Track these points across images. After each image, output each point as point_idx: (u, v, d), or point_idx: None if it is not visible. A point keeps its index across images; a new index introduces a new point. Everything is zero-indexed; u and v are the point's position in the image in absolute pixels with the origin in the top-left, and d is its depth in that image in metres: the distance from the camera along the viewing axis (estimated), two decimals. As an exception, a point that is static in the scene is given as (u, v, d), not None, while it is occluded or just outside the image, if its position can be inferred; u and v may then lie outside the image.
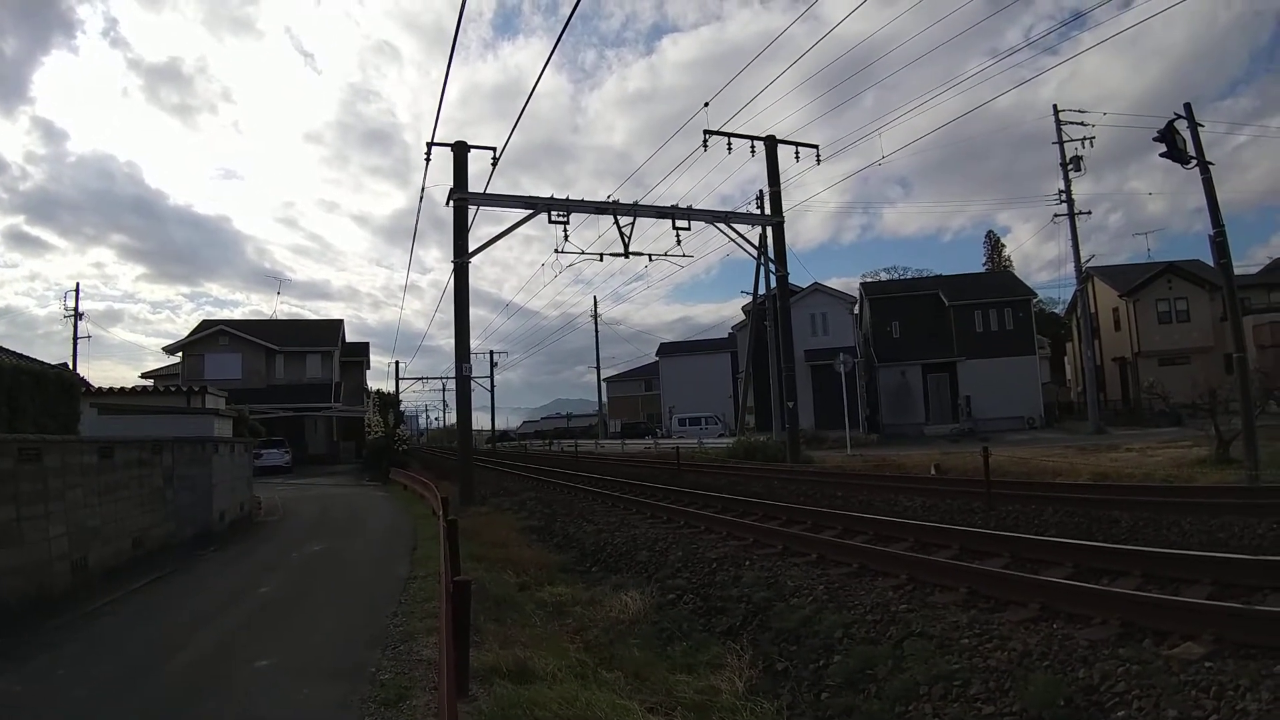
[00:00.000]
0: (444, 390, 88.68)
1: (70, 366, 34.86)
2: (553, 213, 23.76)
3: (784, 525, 12.70)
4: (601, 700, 5.27)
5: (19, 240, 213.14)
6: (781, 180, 28.51)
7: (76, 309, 46.38)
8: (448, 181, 22.98)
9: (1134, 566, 7.85)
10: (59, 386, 12.81)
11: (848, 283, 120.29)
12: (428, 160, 22.62)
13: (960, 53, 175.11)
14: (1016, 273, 64.31)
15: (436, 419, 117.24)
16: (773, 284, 30.76)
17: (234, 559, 12.75)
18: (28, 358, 16.64)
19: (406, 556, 12.00)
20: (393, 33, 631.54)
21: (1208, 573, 7.25)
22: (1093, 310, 42.05)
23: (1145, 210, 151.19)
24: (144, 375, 49.72)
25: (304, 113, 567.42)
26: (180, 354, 46.41)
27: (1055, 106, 35.62)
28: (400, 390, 69.62)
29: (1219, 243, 16.92)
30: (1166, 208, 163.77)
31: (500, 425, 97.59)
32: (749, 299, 42.53)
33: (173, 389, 27.19)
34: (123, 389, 23.31)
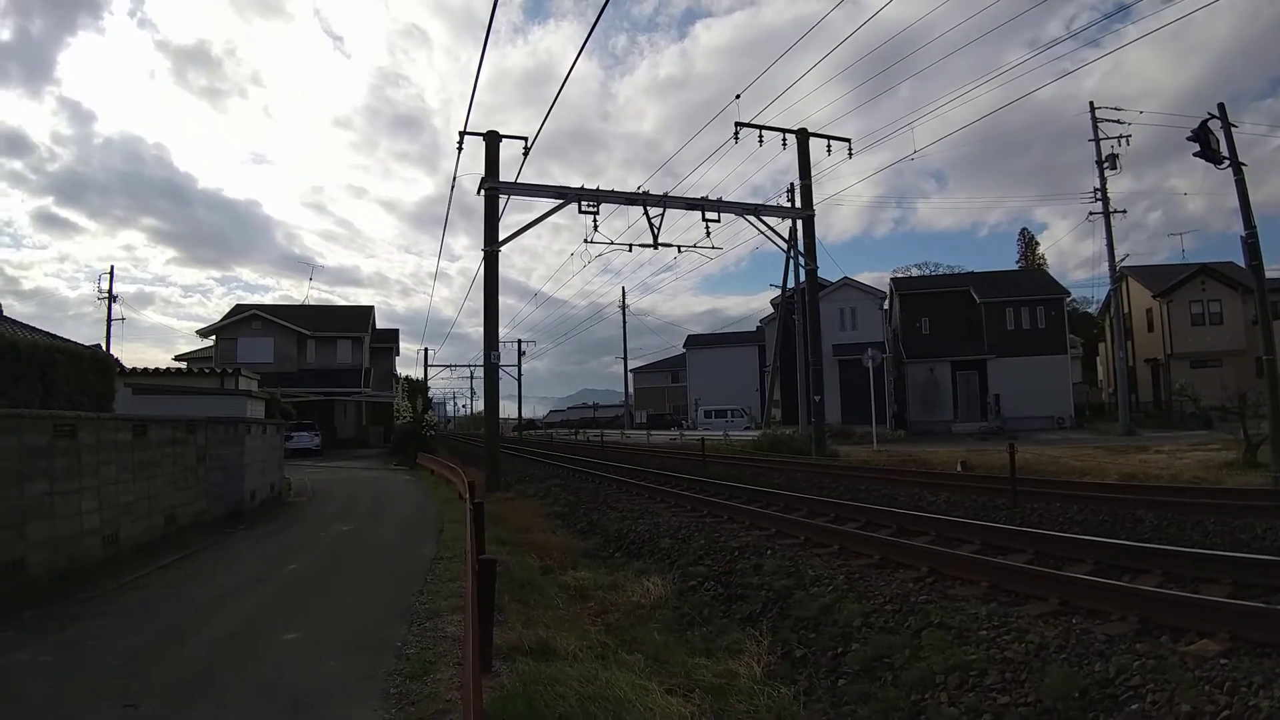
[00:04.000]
0: (471, 378, 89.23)
1: (104, 348, 35.35)
2: (583, 203, 23.88)
3: (807, 517, 12.76)
4: (621, 680, 5.36)
5: (48, 222, 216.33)
6: (814, 172, 28.54)
7: (110, 291, 47.02)
8: (477, 169, 23.15)
9: (1155, 565, 7.87)
10: (93, 365, 13.05)
11: (879, 277, 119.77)
12: (460, 149, 22.80)
13: (1000, 43, 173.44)
14: (1052, 270, 63.91)
15: (464, 406, 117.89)
16: (802, 277, 30.69)
17: (264, 537, 12.94)
18: (61, 338, 16.93)
19: (433, 538, 12.14)
20: (422, 16, 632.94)
21: (1228, 572, 7.26)
22: (1126, 310, 41.63)
23: (1185, 209, 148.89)
24: (177, 358, 50.29)
25: (333, 97, 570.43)
26: (213, 337, 46.91)
27: (1091, 104, 35.22)
28: (428, 377, 70.21)
29: (1251, 244, 16.78)
30: (1206, 207, 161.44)
31: (526, 414, 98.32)
32: (778, 292, 42.49)
33: (206, 370, 27.58)
34: (157, 370, 23.68)
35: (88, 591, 8.33)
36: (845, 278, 47.48)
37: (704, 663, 6.35)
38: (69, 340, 16.43)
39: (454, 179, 26.17)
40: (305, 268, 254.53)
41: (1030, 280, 51.48)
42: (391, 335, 59.47)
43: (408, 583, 8.75)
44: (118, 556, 9.92)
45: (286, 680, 5.46)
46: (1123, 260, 38.68)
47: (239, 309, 49.68)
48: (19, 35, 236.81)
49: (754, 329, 59.58)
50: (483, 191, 22.89)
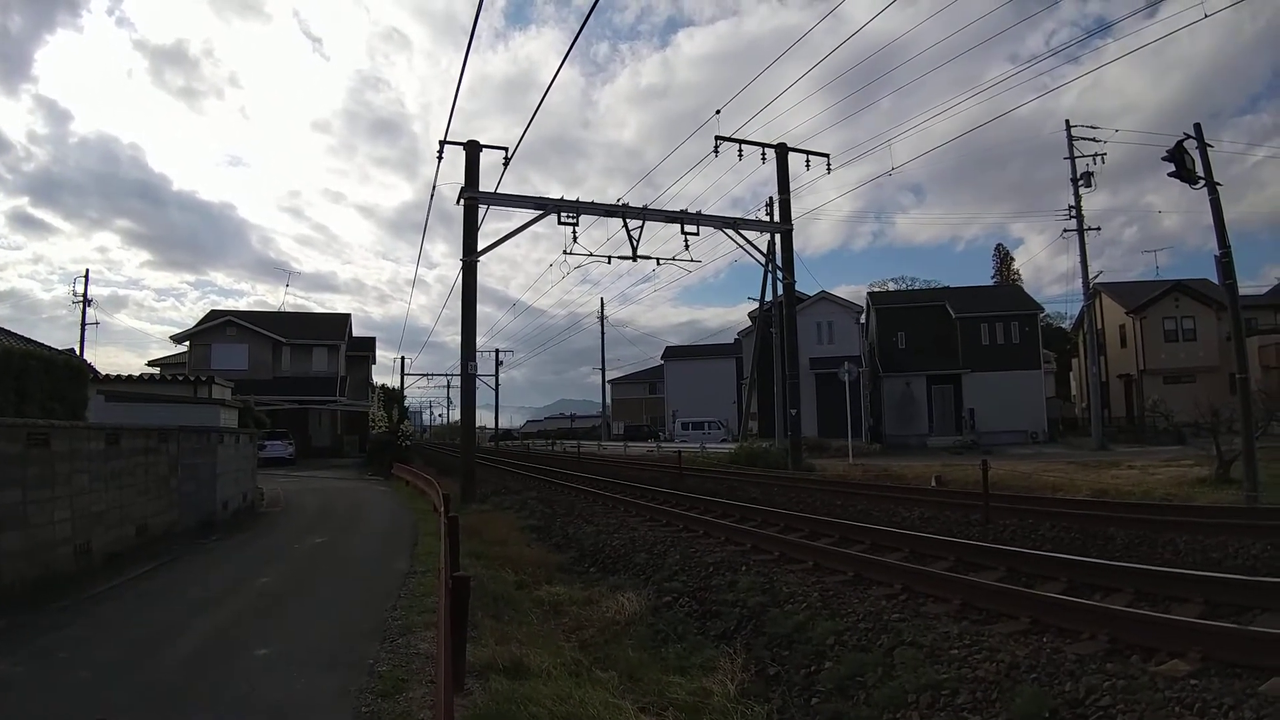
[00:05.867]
0: (448, 387, 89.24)
1: (77, 352, 35.00)
2: (562, 214, 23.91)
3: (782, 532, 12.79)
4: (595, 698, 5.34)
5: (23, 222, 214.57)
6: (794, 186, 28.70)
7: (85, 295, 46.41)
8: (456, 175, 23.15)
9: (1126, 583, 7.92)
10: (67, 372, 12.91)
11: (857, 290, 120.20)
12: (440, 158, 22.87)
13: (980, 59, 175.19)
14: (1028, 285, 64.49)
15: (440, 415, 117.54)
16: (780, 291, 30.82)
17: (236, 549, 12.83)
18: (35, 342, 16.78)
19: (407, 551, 12.08)
20: (402, 20, 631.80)
21: (1199, 592, 7.32)
22: (1099, 326, 42.03)
23: (1161, 225, 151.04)
24: (150, 363, 49.81)
25: (311, 100, 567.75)
26: (187, 343, 46.53)
27: (1067, 122, 35.55)
28: (405, 386, 69.94)
29: (1225, 263, 16.95)
30: (1182, 223, 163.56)
31: (504, 424, 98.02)
32: (755, 304, 42.62)
33: (180, 378, 27.34)
34: (130, 377, 23.45)
35: (60, 602, 8.26)
36: (823, 292, 47.73)
37: (678, 680, 6.35)
38: (43, 345, 16.32)
39: (433, 188, 26.30)
40: (280, 273, 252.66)
41: (1005, 296, 51.96)
42: (368, 343, 59.27)
43: (381, 597, 8.69)
44: (90, 567, 9.83)
45: (258, 698, 5.41)
46: (1096, 276, 38.99)
47: (213, 314, 49.33)
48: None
49: (732, 341, 59.71)
50: (462, 201, 22.89)
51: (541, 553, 12.66)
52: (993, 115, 50.30)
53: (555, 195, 24.07)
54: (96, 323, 48.15)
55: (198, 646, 6.72)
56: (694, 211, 25.89)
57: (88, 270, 55.69)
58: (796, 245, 29.03)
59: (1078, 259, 36.73)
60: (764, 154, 27.57)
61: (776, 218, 29.49)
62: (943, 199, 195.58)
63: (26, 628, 7.18)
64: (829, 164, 27.83)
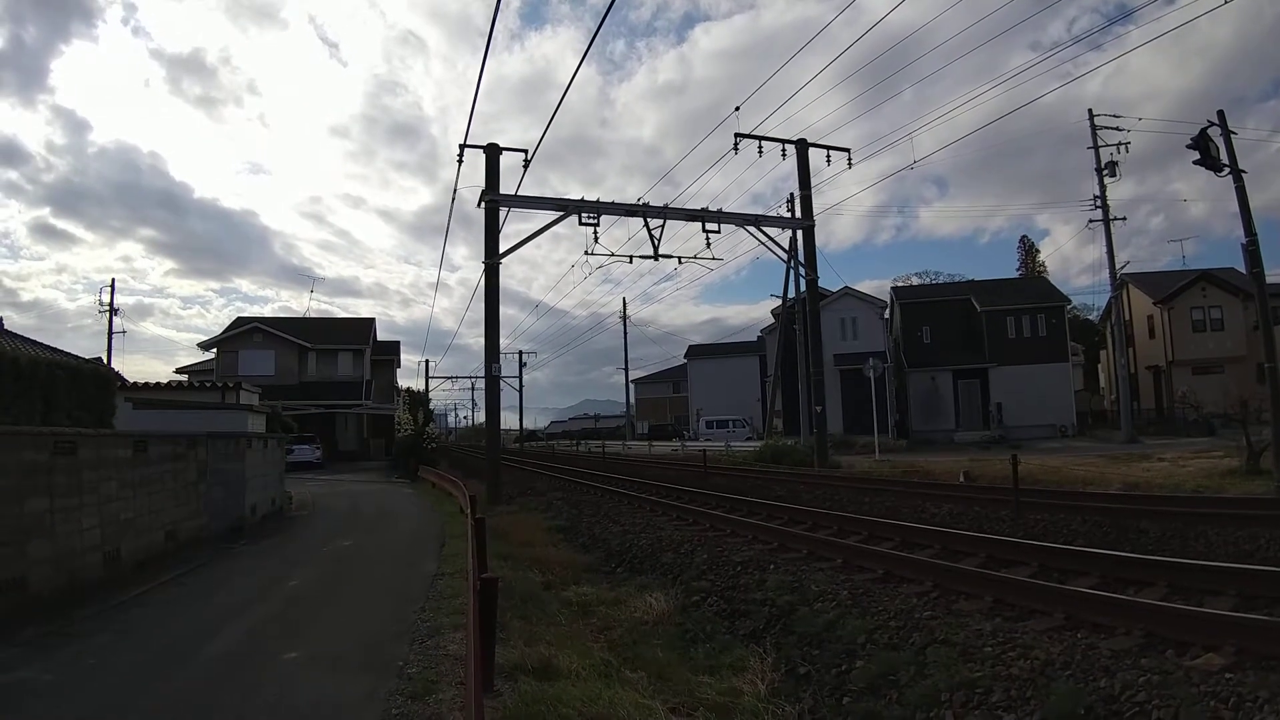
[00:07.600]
0: (473, 389, 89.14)
1: (105, 361, 35.37)
2: (583, 215, 23.91)
3: (809, 530, 12.72)
4: (624, 699, 5.33)
5: (45, 233, 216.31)
6: (815, 180, 28.55)
7: (112, 304, 46.97)
8: (476, 178, 23.22)
9: (1159, 577, 7.84)
10: (94, 381, 13.04)
11: (880, 285, 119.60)
12: (460, 162, 22.89)
13: (1002, 48, 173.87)
14: (1054, 276, 63.94)
15: (465, 418, 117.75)
16: (802, 287, 30.68)
17: (265, 553, 12.91)
18: (62, 352, 16.92)
19: (434, 553, 12.10)
20: (417, 23, 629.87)
21: (1232, 585, 7.25)
22: (1127, 318, 41.58)
23: (1187, 214, 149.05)
24: (178, 370, 50.39)
25: (329, 106, 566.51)
26: (214, 350, 46.95)
27: (1090, 111, 35.18)
28: (429, 389, 70.15)
29: (1251, 251, 16.81)
30: (1209, 211, 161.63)
31: (528, 425, 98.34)
32: (778, 301, 42.47)
33: (207, 384, 27.52)
34: (158, 384, 23.62)
35: (89, 609, 8.32)
36: (846, 287, 47.42)
37: (708, 680, 6.32)
38: (69, 354, 16.44)
39: (454, 192, 26.33)
40: (304, 278, 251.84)
41: (1031, 288, 51.44)
42: (393, 347, 59.48)
43: (409, 599, 8.72)
44: (118, 573, 9.90)
45: (288, 701, 5.44)
46: (1123, 267, 38.54)
47: (240, 321, 49.76)
48: (12, 43, 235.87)
49: (755, 339, 59.53)
50: (483, 204, 22.93)
51: (568, 553, 12.66)
52: (1016, 105, 50.37)
53: (575, 195, 24.23)
54: (124, 331, 48.86)
55: (227, 651, 6.76)
56: (715, 209, 25.84)
57: (114, 279, 56.16)
58: (819, 241, 28.94)
59: (1104, 249, 36.37)
60: (784, 150, 27.46)
61: (798, 214, 29.39)
62: (966, 191, 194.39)
63: (57, 635, 7.23)
64: (850, 158, 27.65)
